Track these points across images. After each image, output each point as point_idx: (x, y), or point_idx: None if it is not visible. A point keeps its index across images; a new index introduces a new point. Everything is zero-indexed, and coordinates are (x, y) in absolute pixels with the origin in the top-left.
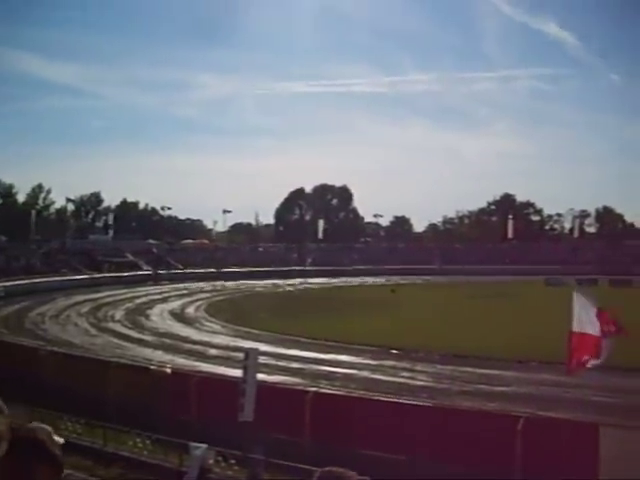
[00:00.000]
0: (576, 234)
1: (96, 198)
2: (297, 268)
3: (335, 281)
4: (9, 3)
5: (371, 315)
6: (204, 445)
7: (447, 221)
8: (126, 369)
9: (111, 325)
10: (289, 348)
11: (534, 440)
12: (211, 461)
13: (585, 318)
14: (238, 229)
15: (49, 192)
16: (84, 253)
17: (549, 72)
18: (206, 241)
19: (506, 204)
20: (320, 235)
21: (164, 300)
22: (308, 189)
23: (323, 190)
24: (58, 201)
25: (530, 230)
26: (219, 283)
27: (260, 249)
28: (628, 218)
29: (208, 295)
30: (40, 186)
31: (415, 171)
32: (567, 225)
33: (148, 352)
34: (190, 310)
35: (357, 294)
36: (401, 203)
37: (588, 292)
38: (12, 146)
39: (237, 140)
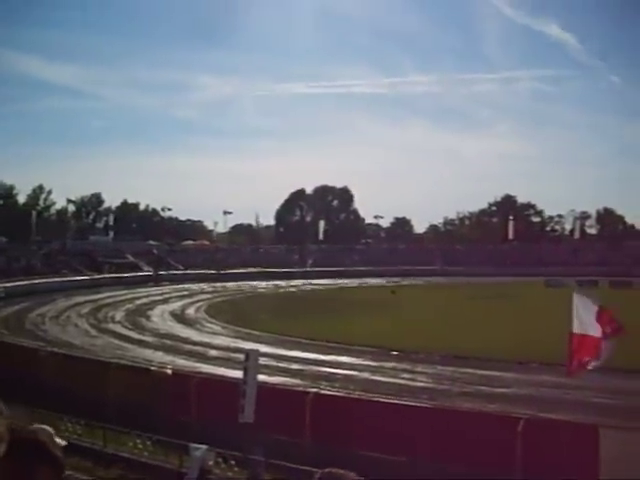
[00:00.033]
0: (577, 235)
1: (96, 199)
2: (298, 269)
3: (336, 282)
4: (8, 4)
5: (372, 316)
6: (204, 446)
7: (448, 222)
8: (126, 370)
9: (111, 326)
10: (289, 349)
11: (534, 442)
12: (211, 462)
13: (585, 319)
14: (239, 230)
15: (50, 193)
16: (84, 254)
17: (550, 73)
18: (207, 242)
19: (507, 205)
20: (321, 236)
21: (165, 301)
22: (309, 190)
23: (324, 191)
24: (59, 202)
25: (531, 231)
26: (219, 284)
27: (261, 250)
28: (629, 219)
29: (209, 296)
30: (41, 187)
31: (416, 172)
32: (568, 226)
33: (148, 353)
34: (190, 311)
35: (358, 295)
36: (402, 204)
37: (588, 293)
38: (12, 147)
39: (237, 141)
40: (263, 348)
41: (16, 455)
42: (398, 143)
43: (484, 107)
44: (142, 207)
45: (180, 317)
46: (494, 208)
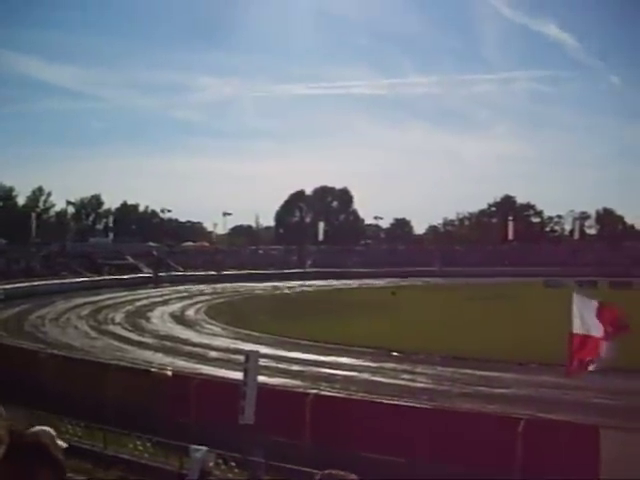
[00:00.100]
0: (576, 236)
1: (96, 201)
2: (297, 270)
3: (335, 283)
4: (8, 4)
5: (371, 317)
6: (204, 448)
7: (447, 223)
8: (126, 372)
9: (111, 328)
10: (289, 350)
11: (535, 442)
12: (211, 464)
13: (586, 319)
14: (238, 231)
15: (49, 195)
16: (84, 256)
17: (549, 74)
18: (206, 243)
19: (506, 206)
20: (320, 237)
21: (164, 302)
22: (308, 191)
23: (323, 192)
24: (58, 204)
25: (530, 232)
26: (219, 285)
27: (260, 251)
28: (628, 220)
29: (208, 297)
30: (40, 189)
31: (415, 173)
32: (567, 227)
33: (148, 355)
34: (190, 312)
35: (357, 296)
36: (401, 205)
37: (587, 293)
38: (11, 148)
39: (237, 142)
40: (263, 349)
41: (18, 458)
42: (397, 144)
43: (483, 108)
44: (142, 208)
45: (180, 318)
46: (493, 209)
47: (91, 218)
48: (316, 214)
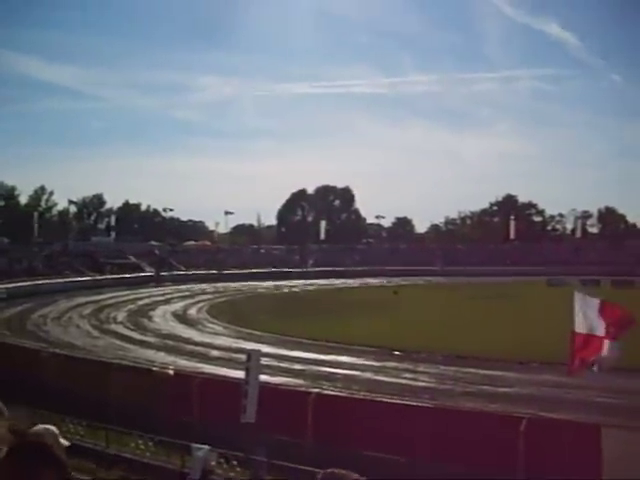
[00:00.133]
0: (578, 235)
1: (98, 200)
2: (299, 269)
3: (337, 282)
4: (8, 4)
5: (373, 316)
6: (206, 447)
7: (449, 222)
8: (128, 371)
9: (113, 327)
10: (291, 349)
11: (537, 441)
12: (213, 463)
13: (587, 318)
14: (240, 230)
15: (51, 194)
16: (86, 255)
17: (550, 73)
18: (208, 243)
19: (508, 205)
20: (322, 236)
21: (166, 302)
22: (310, 190)
23: (325, 191)
24: (60, 203)
25: (532, 231)
26: (221, 284)
27: (262, 250)
28: (630, 219)
29: (210, 297)
30: (42, 188)
31: (416, 172)
32: (569, 226)
33: (150, 354)
34: (192, 311)
35: (359, 295)
36: (403, 204)
37: (590, 292)
38: (12, 148)
39: (237, 142)
40: (265, 348)
41: (21, 457)
42: (398, 143)
43: (484, 107)
44: (144, 208)
45: (182, 317)
46: (495, 208)
47: (93, 217)
48: (318, 213)
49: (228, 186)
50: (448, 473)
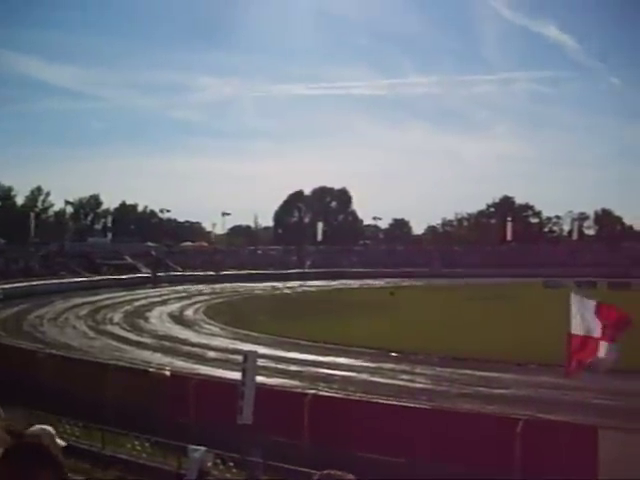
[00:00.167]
0: (575, 236)
1: (95, 200)
2: (296, 271)
3: (334, 283)
4: (8, 5)
5: (370, 318)
6: (203, 448)
7: (446, 223)
8: (125, 372)
9: (110, 328)
10: (288, 351)
11: (533, 443)
12: (210, 464)
13: (584, 320)
14: (237, 231)
15: (48, 195)
16: (83, 256)
17: (549, 75)
18: (205, 244)
19: (505, 206)
20: (319, 237)
21: (163, 303)
22: (307, 192)
23: (322, 193)
24: (57, 204)
25: (529, 232)
26: (218, 286)
27: (259, 252)
28: (627, 221)
29: (207, 298)
30: (39, 188)
31: (414, 174)
32: (566, 227)
33: (147, 355)
34: (189, 312)
35: (356, 296)
36: (400, 206)
37: (586, 293)
38: (11, 148)
39: (236, 142)
40: (261, 349)
41: (18, 458)
42: (397, 144)
43: (483, 108)
44: (140, 208)
45: (178, 318)
46: (492, 209)
47: (90, 218)
48: (315, 214)
49: (226, 187)
50: (445, 474)
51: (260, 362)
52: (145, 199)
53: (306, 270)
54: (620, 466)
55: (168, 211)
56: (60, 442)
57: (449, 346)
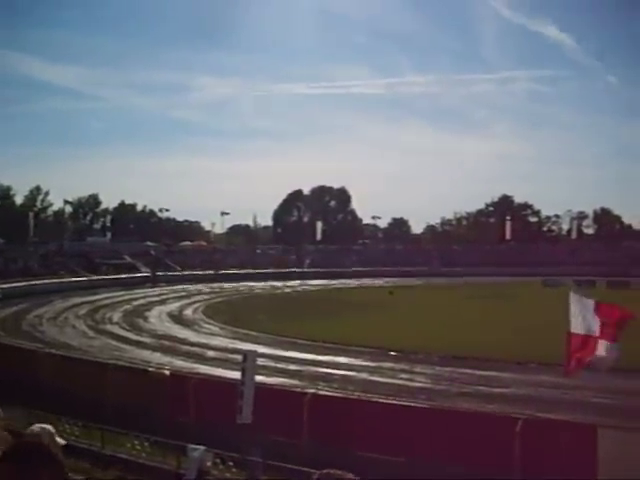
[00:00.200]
0: (574, 235)
1: (94, 200)
2: (295, 270)
3: (333, 283)
4: (9, 6)
5: (369, 317)
6: (202, 447)
7: (445, 223)
8: (124, 371)
9: (109, 327)
10: (287, 350)
11: (533, 442)
12: (209, 463)
13: (584, 318)
14: (236, 231)
15: (47, 194)
16: (82, 255)
17: (547, 74)
18: (204, 243)
19: (504, 205)
20: (318, 237)
21: (162, 302)
22: (306, 191)
23: (321, 192)
24: (56, 203)
25: (528, 231)
26: (217, 285)
27: (258, 251)
28: (626, 219)
29: (206, 297)
30: (38, 188)
31: (413, 173)
32: (565, 226)
33: (146, 354)
34: (188, 312)
35: (355, 296)
36: (399, 205)
37: (585, 292)
38: (10, 148)
39: (236, 142)
40: (261, 349)
41: (18, 457)
42: (396, 143)
43: (481, 107)
44: (139, 208)
45: (178, 318)
46: (491, 208)
47: (89, 217)
48: (314, 213)
49: (226, 186)
50: (444, 474)
51: (259, 361)
52: (144, 198)
53: (305, 269)
54: (620, 465)
55: (167, 210)
56: (60, 441)
57: (448, 345)
